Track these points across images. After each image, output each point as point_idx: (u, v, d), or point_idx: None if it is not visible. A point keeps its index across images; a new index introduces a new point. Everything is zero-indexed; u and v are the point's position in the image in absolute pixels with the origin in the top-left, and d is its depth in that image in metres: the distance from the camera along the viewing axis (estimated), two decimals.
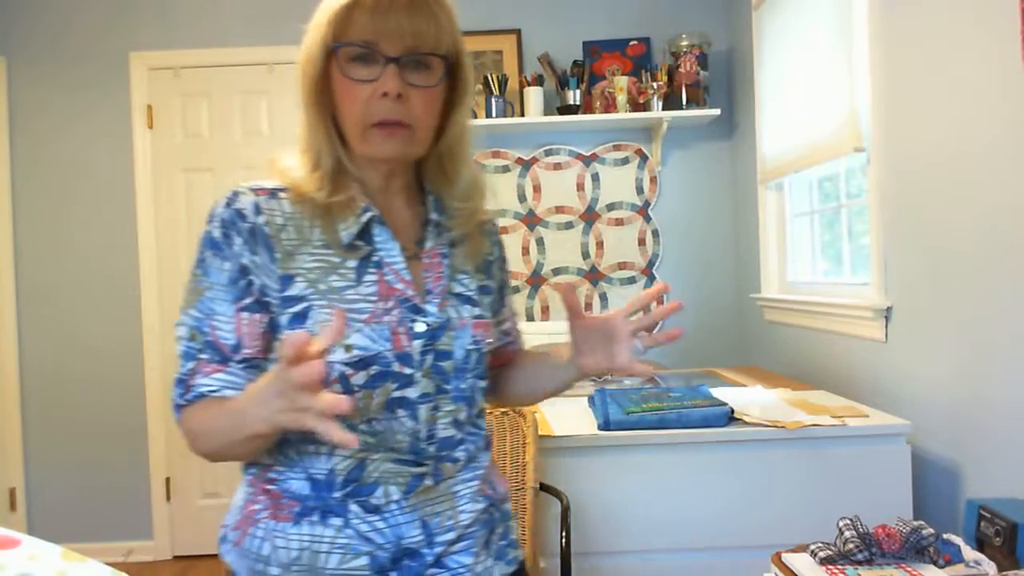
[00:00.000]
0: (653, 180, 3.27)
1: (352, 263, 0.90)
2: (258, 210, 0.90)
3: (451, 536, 0.93)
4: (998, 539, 1.17)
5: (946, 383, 1.69)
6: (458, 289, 0.97)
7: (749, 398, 1.90)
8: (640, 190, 3.27)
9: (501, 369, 1.13)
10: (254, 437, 0.81)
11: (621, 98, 3.06)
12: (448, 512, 0.94)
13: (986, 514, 1.21)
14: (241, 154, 3.33)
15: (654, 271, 3.28)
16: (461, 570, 0.94)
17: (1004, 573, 1.10)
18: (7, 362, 3.31)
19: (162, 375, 3.34)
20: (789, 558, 1.20)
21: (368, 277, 0.90)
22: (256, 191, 0.93)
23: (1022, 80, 1.39)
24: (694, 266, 3.28)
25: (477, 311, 0.97)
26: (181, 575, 3.18)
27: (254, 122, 3.33)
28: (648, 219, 3.28)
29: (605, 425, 1.67)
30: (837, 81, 2.14)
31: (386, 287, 0.91)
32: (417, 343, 0.90)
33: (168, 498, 3.34)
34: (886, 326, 1.94)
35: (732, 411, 1.71)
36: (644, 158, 3.26)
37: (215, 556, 3.42)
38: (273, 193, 0.93)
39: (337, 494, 0.89)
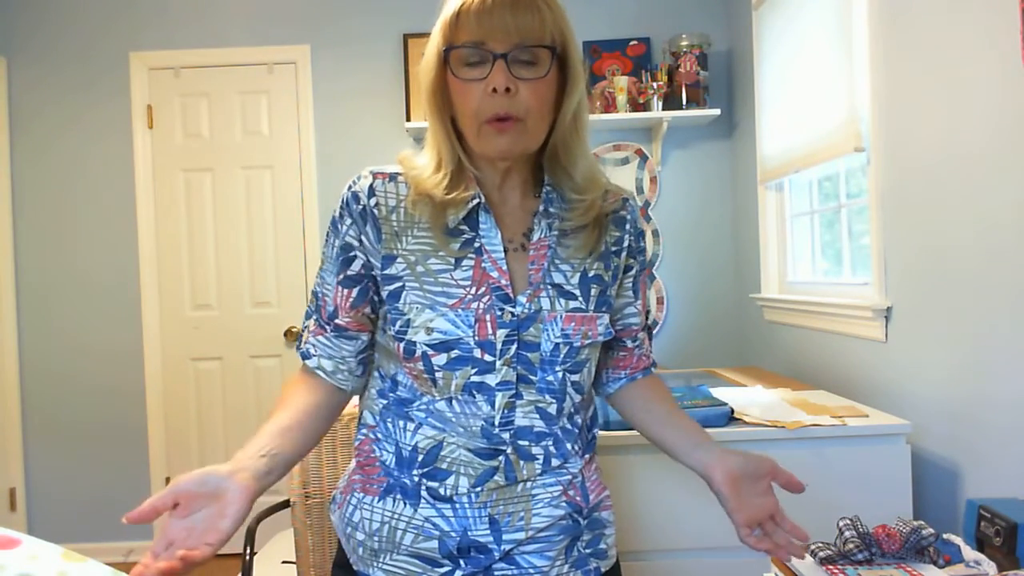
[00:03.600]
0: (653, 180, 3.27)
1: (454, 247, 0.95)
2: (372, 192, 0.97)
3: (520, 536, 0.95)
4: (998, 539, 1.17)
5: (946, 383, 1.69)
6: (558, 280, 0.97)
7: (749, 398, 1.90)
8: (640, 190, 3.28)
9: (622, 384, 1.11)
10: None
11: (621, 98, 3.06)
12: (521, 513, 0.95)
13: (986, 514, 1.21)
14: (241, 154, 3.34)
15: (654, 271, 3.28)
16: (532, 571, 0.96)
17: (1004, 573, 1.10)
18: (7, 362, 3.31)
19: (162, 375, 3.34)
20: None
21: (466, 262, 0.95)
22: (376, 174, 0.99)
23: (1022, 80, 1.39)
24: (694, 266, 3.29)
25: (574, 304, 0.97)
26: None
27: (254, 122, 3.34)
28: (648, 219, 3.28)
29: (605, 425, 1.67)
30: (837, 81, 2.14)
31: (481, 274, 0.94)
32: (501, 332, 0.93)
33: None
34: (886, 326, 1.94)
35: (732, 411, 1.71)
36: (644, 158, 3.26)
37: (215, 556, 3.43)
38: (392, 177, 0.99)
39: (415, 472, 0.95)
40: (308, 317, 1.03)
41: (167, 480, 3.33)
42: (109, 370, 3.33)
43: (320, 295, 1.01)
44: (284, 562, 2.05)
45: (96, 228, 3.33)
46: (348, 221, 0.97)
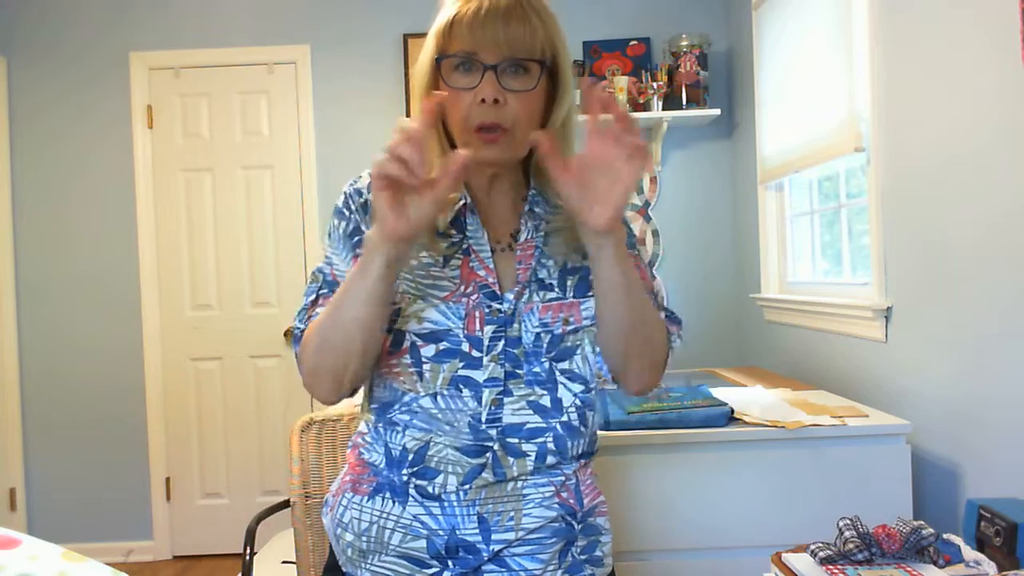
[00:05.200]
0: (653, 180, 3.27)
1: (442, 247, 0.97)
2: (370, 189, 0.97)
3: (509, 536, 0.95)
4: (998, 539, 1.17)
5: (946, 383, 1.69)
6: (542, 275, 0.99)
7: (749, 398, 1.90)
8: (640, 190, 3.28)
9: None
10: (374, 282, 0.85)
11: (621, 98, 3.06)
12: (511, 513, 0.95)
13: (986, 514, 1.21)
14: (241, 154, 3.34)
15: (654, 271, 3.28)
16: (523, 574, 0.95)
17: (1004, 573, 1.10)
18: (7, 362, 3.31)
19: (162, 375, 3.34)
20: (789, 558, 1.20)
21: (454, 261, 0.96)
22: None
23: (1022, 80, 1.39)
24: (694, 266, 3.29)
25: (551, 295, 0.98)
26: (181, 575, 3.19)
27: (254, 122, 3.34)
28: (648, 219, 3.28)
29: (605, 425, 1.66)
30: (837, 81, 2.14)
31: (468, 273, 0.96)
32: (488, 328, 0.94)
33: (168, 498, 3.34)
34: (886, 326, 1.94)
35: (732, 411, 1.71)
36: None
37: (215, 556, 3.44)
38: None
39: (405, 472, 0.95)
40: (311, 294, 0.99)
41: (167, 480, 3.33)
42: (109, 370, 3.33)
43: (328, 271, 0.99)
44: (284, 562, 2.05)
45: (96, 228, 3.33)
46: (352, 207, 1.00)
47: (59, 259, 3.34)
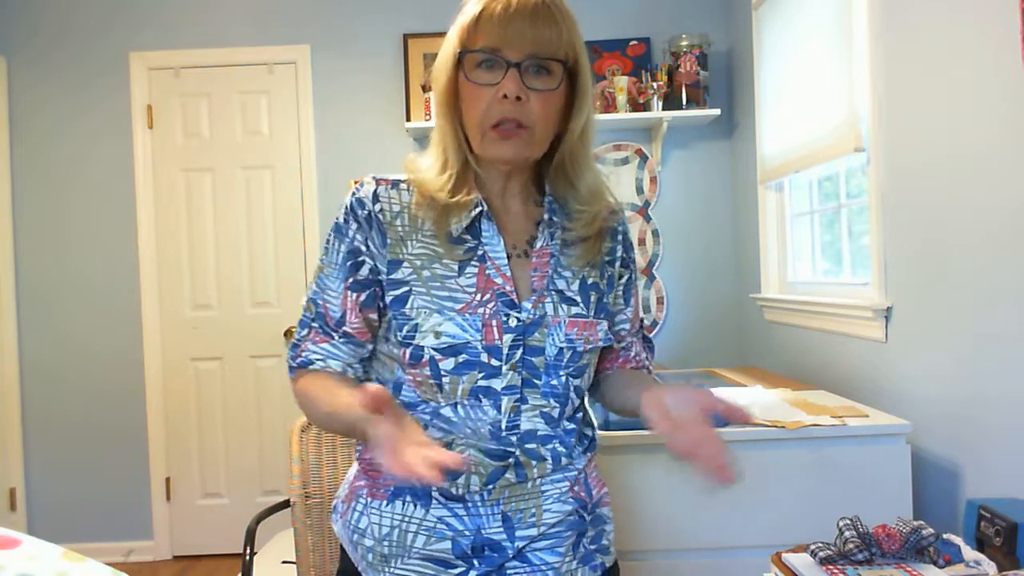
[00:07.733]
0: (653, 180, 3.27)
1: (457, 254, 0.96)
2: (376, 198, 0.98)
3: (532, 532, 0.96)
4: (998, 539, 1.17)
5: (946, 383, 1.69)
6: (560, 287, 0.99)
7: (749, 398, 1.90)
8: (640, 190, 3.28)
9: (607, 373, 1.11)
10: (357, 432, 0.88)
11: (621, 98, 3.06)
12: (532, 510, 0.97)
13: (986, 514, 1.21)
14: (241, 154, 3.34)
15: (654, 271, 3.28)
16: (544, 568, 0.97)
17: (1004, 573, 1.10)
18: (7, 362, 3.31)
19: (162, 375, 3.34)
20: (789, 558, 1.20)
21: (470, 269, 0.95)
22: (379, 181, 1.00)
23: (1022, 80, 1.39)
24: (694, 266, 3.28)
25: (576, 310, 0.99)
26: (181, 575, 3.19)
27: (254, 122, 3.34)
28: (648, 219, 3.28)
29: (605, 425, 1.67)
30: (837, 81, 2.14)
31: (485, 280, 0.95)
32: (507, 337, 0.94)
33: (168, 498, 3.34)
34: (886, 326, 1.94)
35: None
36: (644, 158, 3.26)
37: (215, 556, 3.44)
38: (395, 184, 1.00)
39: None
40: (304, 327, 1.00)
41: (167, 480, 3.33)
42: (109, 370, 3.33)
43: (320, 303, 0.99)
44: (284, 562, 2.05)
45: (96, 228, 3.33)
46: (354, 226, 0.97)
47: (59, 259, 3.34)
